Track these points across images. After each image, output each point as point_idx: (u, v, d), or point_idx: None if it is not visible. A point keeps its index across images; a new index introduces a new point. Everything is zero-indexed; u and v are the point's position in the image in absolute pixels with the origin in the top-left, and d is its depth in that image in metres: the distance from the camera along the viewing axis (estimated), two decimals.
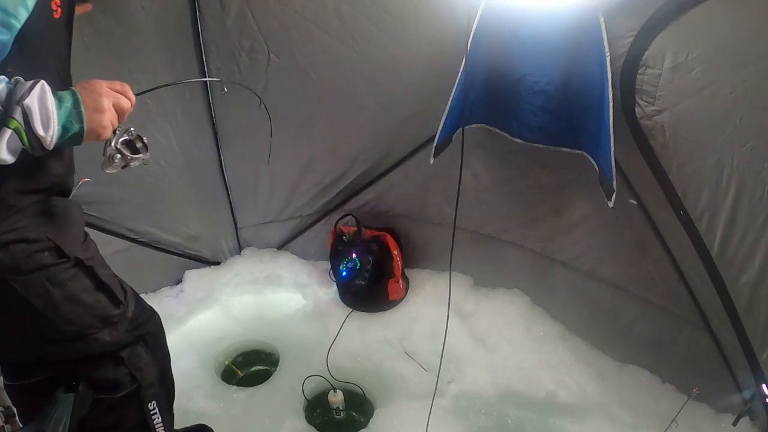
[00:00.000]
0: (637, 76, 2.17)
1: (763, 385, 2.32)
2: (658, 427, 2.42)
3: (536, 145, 2.71)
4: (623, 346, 2.93)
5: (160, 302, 3.34)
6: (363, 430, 2.80)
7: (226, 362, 3.27)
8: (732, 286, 2.26)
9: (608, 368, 2.93)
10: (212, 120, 3.21)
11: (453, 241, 2.53)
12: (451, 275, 3.48)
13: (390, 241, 3.43)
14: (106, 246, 2.86)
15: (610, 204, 2.32)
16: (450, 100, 2.60)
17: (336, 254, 3.46)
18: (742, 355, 2.33)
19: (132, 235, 3.20)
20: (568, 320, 3.16)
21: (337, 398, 2.93)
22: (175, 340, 3.18)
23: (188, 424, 2.73)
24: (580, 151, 2.59)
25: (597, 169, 2.47)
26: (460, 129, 2.64)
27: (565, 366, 2.96)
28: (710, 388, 2.57)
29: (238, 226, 3.67)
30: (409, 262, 3.58)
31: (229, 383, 3.11)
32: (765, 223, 2.06)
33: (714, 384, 2.56)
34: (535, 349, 3.07)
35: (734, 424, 2.44)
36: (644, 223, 2.54)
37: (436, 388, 2.64)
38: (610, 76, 2.18)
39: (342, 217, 3.47)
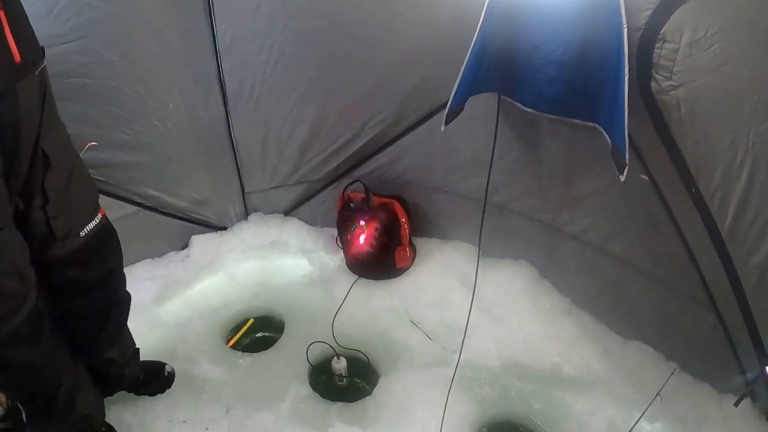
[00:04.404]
0: (655, 50, 2.10)
1: (767, 368, 2.31)
2: (661, 404, 2.41)
3: (548, 116, 2.66)
4: (629, 322, 2.91)
5: (166, 267, 3.37)
6: (367, 397, 2.82)
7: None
8: (741, 267, 2.23)
9: (613, 344, 2.91)
10: (221, 82, 3.17)
11: (484, 213, 2.49)
12: (458, 243, 3.52)
13: (398, 208, 3.40)
14: (113, 211, 2.90)
15: (622, 178, 2.27)
16: (463, 67, 2.54)
17: (343, 221, 3.44)
18: (747, 337, 2.31)
19: (139, 200, 3.18)
20: (574, 294, 3.14)
21: (340, 365, 2.94)
22: (180, 305, 3.24)
23: (194, 389, 2.78)
24: (593, 124, 2.53)
25: (609, 142, 2.42)
26: (496, 98, 2.66)
27: (571, 340, 2.95)
28: (714, 369, 2.56)
29: (245, 190, 3.65)
30: (417, 230, 3.56)
31: (234, 348, 3.14)
32: None
33: (718, 364, 2.54)
34: (540, 322, 3.06)
35: (736, 405, 2.43)
36: (655, 199, 2.49)
37: (459, 358, 2.68)
38: (626, 49, 2.12)
39: (350, 184, 3.44)
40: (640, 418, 2.31)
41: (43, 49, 1.92)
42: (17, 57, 1.70)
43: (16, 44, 1.70)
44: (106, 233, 2.23)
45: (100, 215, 2.17)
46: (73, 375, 2.25)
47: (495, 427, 2.76)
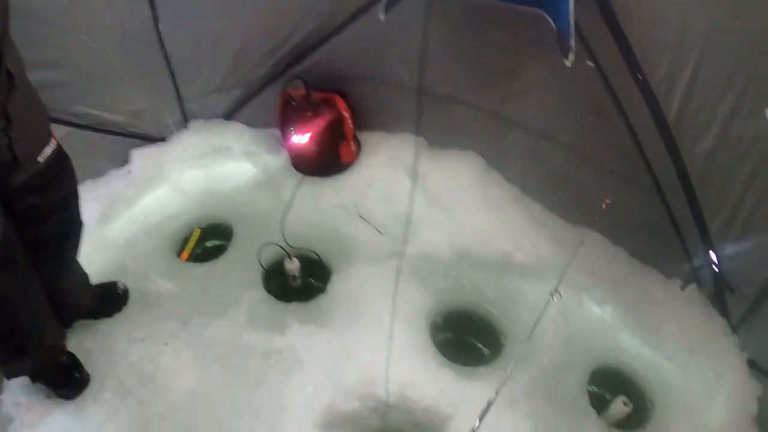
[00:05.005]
0: None
1: (711, 253, 2.40)
2: (611, 288, 2.50)
3: (493, 2, 2.56)
4: (577, 209, 2.97)
5: (108, 185, 3.19)
6: (321, 295, 2.87)
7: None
8: (687, 155, 2.27)
9: (562, 230, 2.99)
10: None
11: (420, 99, 2.43)
12: (404, 136, 3.47)
13: (340, 102, 3.31)
14: None
15: (568, 63, 2.24)
16: None
17: (285, 120, 3.33)
18: (693, 224, 2.39)
19: (72, 119, 2.98)
20: (522, 183, 3.18)
21: (293, 265, 2.95)
22: (126, 222, 3.13)
23: (149, 306, 2.76)
24: (538, 10, 2.46)
25: (555, 28, 2.37)
26: None
27: (520, 228, 3.01)
28: (661, 254, 2.65)
29: (182, 97, 3.45)
30: (361, 124, 3.49)
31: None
32: (723, 93, 2.04)
33: (665, 250, 2.63)
34: (490, 212, 3.10)
35: (682, 289, 2.55)
36: (602, 87, 2.48)
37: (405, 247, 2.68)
38: None
39: (290, 81, 3.29)
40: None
41: None
42: None
43: None
44: (61, 158, 2.14)
45: (54, 141, 2.08)
46: (43, 306, 2.24)
47: (449, 317, 2.86)
